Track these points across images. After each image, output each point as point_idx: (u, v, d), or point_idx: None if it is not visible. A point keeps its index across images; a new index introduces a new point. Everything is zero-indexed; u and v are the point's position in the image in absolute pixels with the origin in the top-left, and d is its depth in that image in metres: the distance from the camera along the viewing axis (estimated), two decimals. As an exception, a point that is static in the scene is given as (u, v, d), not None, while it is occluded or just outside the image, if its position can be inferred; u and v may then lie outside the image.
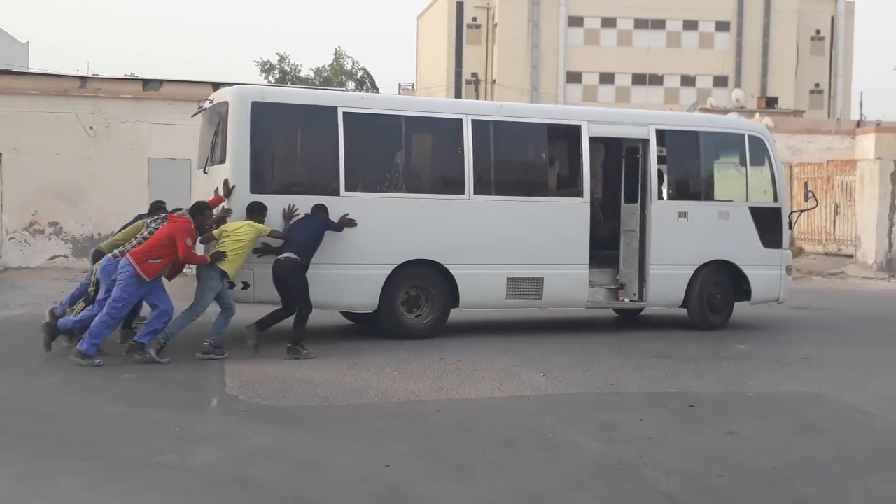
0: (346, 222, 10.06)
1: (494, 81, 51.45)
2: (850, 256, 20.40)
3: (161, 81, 18.97)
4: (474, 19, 52.31)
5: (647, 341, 10.80)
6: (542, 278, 10.99)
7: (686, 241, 11.62)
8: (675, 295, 11.65)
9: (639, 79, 52.50)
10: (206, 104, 10.67)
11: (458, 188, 10.73)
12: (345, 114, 10.28)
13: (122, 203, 16.12)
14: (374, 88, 51.44)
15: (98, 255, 9.64)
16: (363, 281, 10.31)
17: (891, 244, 19.51)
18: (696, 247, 11.68)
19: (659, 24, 52.74)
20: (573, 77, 52.46)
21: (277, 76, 48.61)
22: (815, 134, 30.40)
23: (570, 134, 11.41)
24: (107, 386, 8.07)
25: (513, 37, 51.93)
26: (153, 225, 9.49)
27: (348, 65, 50.34)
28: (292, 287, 9.45)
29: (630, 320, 12.91)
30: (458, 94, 49.73)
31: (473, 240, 10.73)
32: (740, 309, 12.24)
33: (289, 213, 9.82)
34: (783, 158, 25.00)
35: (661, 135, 11.63)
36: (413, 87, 73.19)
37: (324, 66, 50.01)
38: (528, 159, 11.65)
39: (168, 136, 17.84)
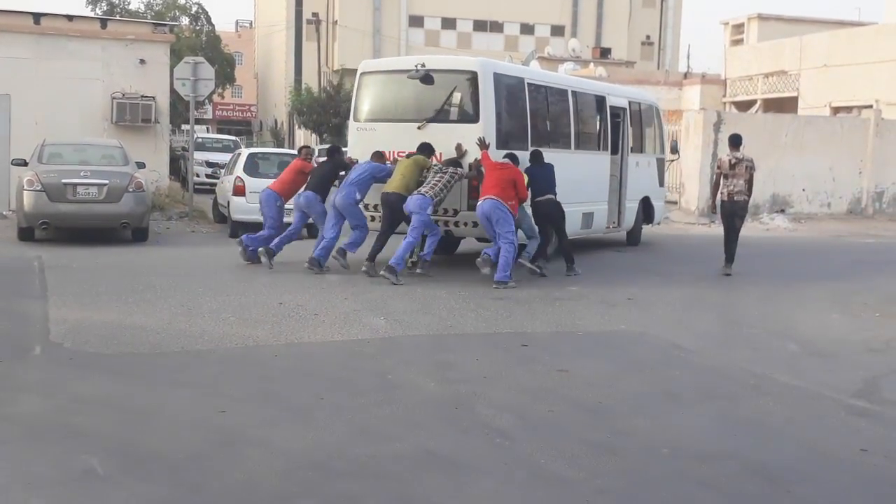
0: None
1: (336, 22, 50.51)
2: (675, 203, 21.43)
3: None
4: (315, -43, 51.04)
5: (484, 285, 11.03)
6: (593, 213, 14.15)
7: (638, 183, 15.56)
8: (632, 221, 15.65)
9: (480, 25, 52.82)
10: (420, 68, 12.00)
11: (566, 144, 13.47)
12: (528, 84, 12.63)
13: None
14: (210, 25, 49.33)
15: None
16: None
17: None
18: (641, 187, 15.72)
19: (501, -29, 53.12)
20: (415, 21, 52.19)
21: (105, 8, 45.85)
22: (645, 84, 31.53)
23: (601, 104, 14.49)
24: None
25: (355, -24, 51.02)
26: (448, 169, 11.39)
27: (182, -1, 48.07)
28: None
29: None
30: (298, 35, 48.56)
31: (573, 184, 12.89)
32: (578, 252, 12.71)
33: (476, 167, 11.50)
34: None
35: (629, 105, 15.18)
36: (251, 24, 70.90)
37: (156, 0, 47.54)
38: (588, 122, 14.42)
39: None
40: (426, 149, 11.68)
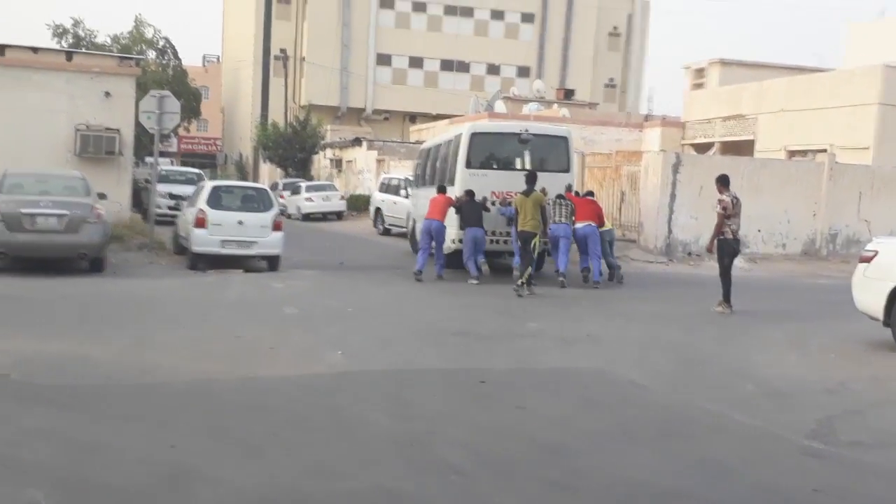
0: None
1: (304, 59, 50.63)
2: (634, 241, 21.58)
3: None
4: (284, -6, 51.28)
5: (445, 321, 10.97)
6: None
7: None
8: None
9: (447, 65, 53.25)
10: (528, 135, 16.55)
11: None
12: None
13: None
14: (177, 59, 49.20)
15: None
16: None
17: (670, 230, 20.75)
18: None
19: (467, 12, 53.70)
20: (383, 59, 52.51)
21: (71, 41, 45.54)
22: (607, 126, 31.95)
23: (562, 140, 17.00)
24: None
25: (323, 13, 51.32)
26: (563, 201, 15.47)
27: (149, 33, 47.85)
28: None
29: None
30: (265, 70, 48.52)
31: None
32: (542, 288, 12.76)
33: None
34: (578, 148, 26.08)
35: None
36: (219, 59, 70.87)
37: (122, 33, 47.27)
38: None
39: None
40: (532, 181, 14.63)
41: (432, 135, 30.51)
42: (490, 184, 16.12)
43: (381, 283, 14.91)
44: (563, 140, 16.68)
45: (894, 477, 5.66)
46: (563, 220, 15.22)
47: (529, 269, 14.03)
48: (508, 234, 15.88)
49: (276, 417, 6.39)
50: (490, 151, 16.78)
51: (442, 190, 16.36)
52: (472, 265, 15.36)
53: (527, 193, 14.38)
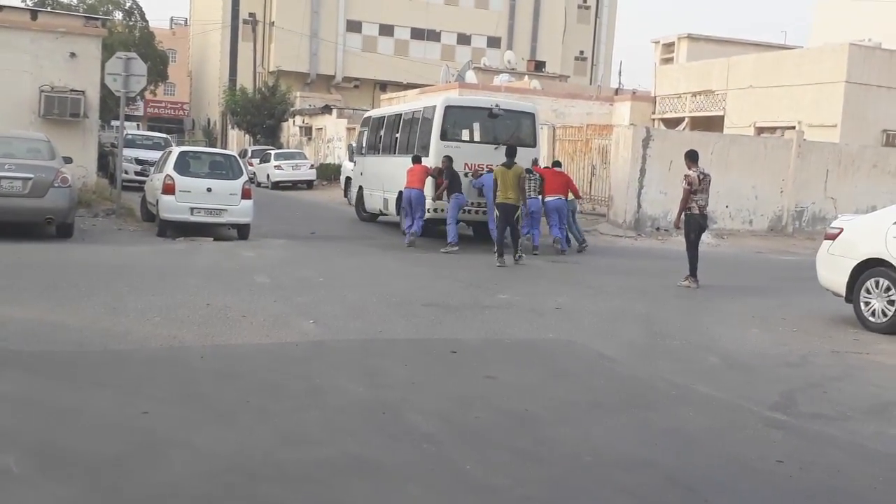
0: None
1: (273, 23, 50.04)
2: (604, 215, 21.74)
3: None
4: (254, -43, 50.54)
5: (418, 291, 11.04)
6: None
7: None
8: None
9: (417, 33, 52.87)
10: (500, 110, 17.28)
11: None
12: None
13: None
14: (144, 21, 48.42)
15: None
16: None
17: (639, 205, 20.94)
18: None
19: (438, -20, 53.25)
20: (353, 26, 52.01)
21: (35, 0, 44.65)
22: (577, 99, 32.01)
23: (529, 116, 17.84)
24: None
25: (293, -21, 50.60)
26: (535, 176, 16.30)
27: (116, -7, 47.06)
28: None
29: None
30: (234, 34, 47.96)
31: None
32: (506, 265, 12.82)
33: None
34: (549, 120, 26.14)
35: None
36: (187, 22, 69.82)
37: (89, -7, 46.46)
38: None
39: None
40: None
41: (404, 103, 30.41)
42: (463, 155, 16.69)
43: (353, 254, 14.93)
44: (531, 116, 17.56)
45: (854, 449, 5.84)
46: (533, 193, 15.97)
47: (520, 240, 14.85)
48: (480, 204, 16.72)
49: (249, 385, 6.42)
50: (462, 124, 17.42)
51: (417, 160, 16.77)
52: (454, 230, 15.88)
53: (508, 166, 14.60)
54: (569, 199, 16.95)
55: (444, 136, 16.91)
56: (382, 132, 20.22)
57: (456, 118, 17.31)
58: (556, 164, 18.07)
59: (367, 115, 23.39)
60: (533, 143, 17.36)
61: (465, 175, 16.61)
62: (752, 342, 9.29)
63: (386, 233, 18.98)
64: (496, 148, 16.58)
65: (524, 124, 17.51)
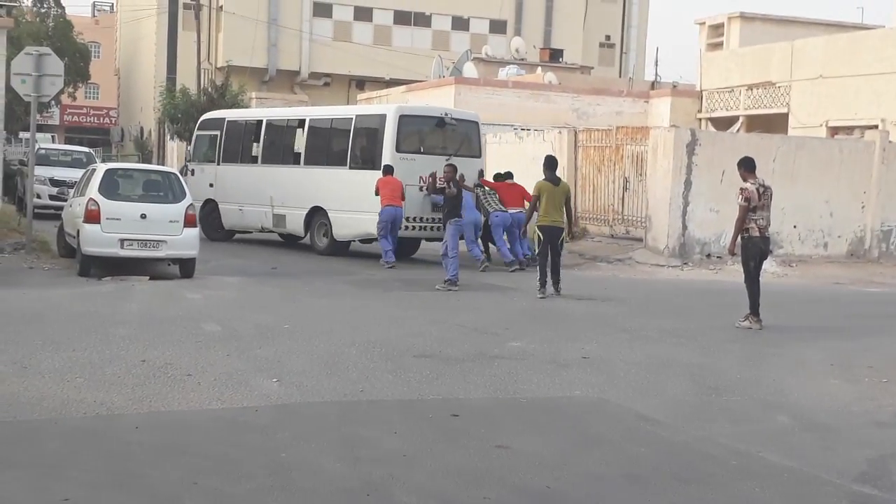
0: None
1: (221, 8, 50.36)
2: (640, 240, 21.69)
3: None
4: (196, -73, 50.89)
5: (408, 338, 11.03)
6: None
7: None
8: None
9: (402, 17, 53.05)
10: (451, 119, 20.16)
11: None
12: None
13: None
14: (59, 7, 48.76)
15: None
16: None
17: (685, 226, 20.73)
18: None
19: (428, -48, 53.59)
20: (322, 10, 52.25)
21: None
22: (604, 95, 32.19)
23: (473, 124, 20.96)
24: None
25: (246, -47, 50.95)
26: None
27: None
28: None
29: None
30: (172, 23, 48.23)
31: None
32: (518, 304, 12.79)
33: None
34: (568, 121, 26.26)
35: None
36: (113, 8, 70.32)
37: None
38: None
39: None
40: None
41: (386, 103, 30.58)
42: (417, 168, 19.21)
43: (325, 293, 14.95)
44: (475, 125, 20.60)
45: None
46: (497, 207, 18.99)
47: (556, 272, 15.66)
48: (433, 220, 19.20)
49: (197, 462, 6.41)
50: (415, 135, 20.07)
51: (389, 171, 18.79)
52: (455, 264, 16.54)
53: (555, 182, 15.40)
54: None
55: (398, 147, 19.29)
56: (252, 141, 22.55)
57: (409, 128, 19.85)
58: (508, 175, 20.12)
59: (210, 116, 25.44)
60: (478, 154, 20.42)
61: (420, 189, 19.04)
62: (831, 396, 9.27)
63: (365, 266, 19.01)
64: (448, 159, 18.62)
65: (469, 133, 20.45)
